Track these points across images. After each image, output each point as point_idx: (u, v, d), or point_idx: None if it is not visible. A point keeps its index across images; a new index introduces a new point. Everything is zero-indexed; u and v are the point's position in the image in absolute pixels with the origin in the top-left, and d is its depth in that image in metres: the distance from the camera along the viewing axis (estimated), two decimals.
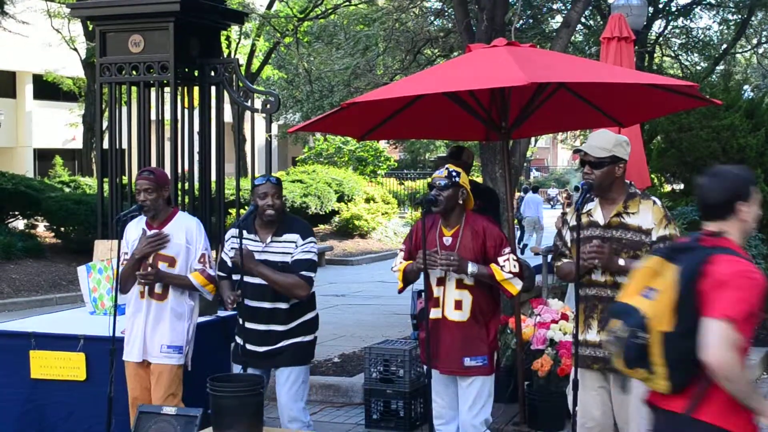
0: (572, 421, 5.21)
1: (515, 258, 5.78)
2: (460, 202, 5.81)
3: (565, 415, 6.64)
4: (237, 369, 6.11)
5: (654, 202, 5.14)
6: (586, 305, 5.23)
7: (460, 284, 5.76)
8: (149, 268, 6.02)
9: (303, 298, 5.94)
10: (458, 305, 5.77)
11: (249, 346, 6.03)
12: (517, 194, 33.06)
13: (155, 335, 6.11)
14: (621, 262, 5.00)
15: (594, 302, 5.19)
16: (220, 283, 6.19)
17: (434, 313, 5.84)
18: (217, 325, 7.12)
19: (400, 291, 6.25)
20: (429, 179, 6.01)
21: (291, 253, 5.93)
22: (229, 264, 6.11)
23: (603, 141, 5.16)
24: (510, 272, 5.67)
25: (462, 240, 5.76)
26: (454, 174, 5.78)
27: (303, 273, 5.87)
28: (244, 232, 6.00)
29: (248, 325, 6.03)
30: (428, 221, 5.91)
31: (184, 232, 6.14)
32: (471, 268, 5.63)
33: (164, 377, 6.10)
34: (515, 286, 5.72)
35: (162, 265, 6.07)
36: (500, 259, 5.68)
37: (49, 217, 19.13)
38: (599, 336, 5.15)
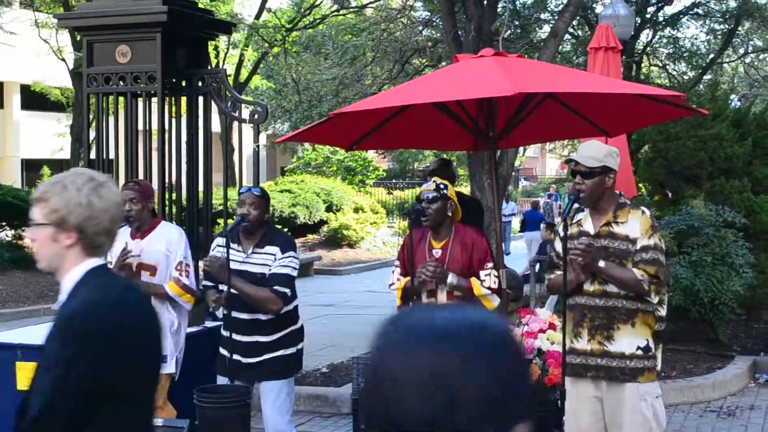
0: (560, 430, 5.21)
1: (496, 274, 5.78)
2: (449, 214, 5.81)
3: (554, 424, 6.63)
4: (221, 380, 6.09)
5: (643, 212, 5.16)
6: (574, 314, 5.23)
7: (451, 295, 5.76)
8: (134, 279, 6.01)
9: (274, 312, 5.91)
10: None
11: (234, 357, 6.01)
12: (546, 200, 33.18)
13: None
14: (600, 263, 5.02)
15: (583, 311, 5.19)
16: (206, 291, 6.19)
17: None
18: (204, 336, 7.11)
19: (400, 308, 6.27)
20: (418, 190, 6.02)
21: (270, 266, 5.93)
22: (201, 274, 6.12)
23: (594, 151, 5.17)
24: (489, 288, 5.66)
25: (452, 252, 5.76)
26: (441, 186, 5.79)
27: (277, 288, 5.84)
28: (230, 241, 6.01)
29: (233, 336, 6.01)
30: (418, 234, 5.92)
31: (165, 241, 6.15)
32: (450, 278, 5.63)
33: None
34: (492, 303, 5.72)
35: (144, 275, 6.07)
36: (482, 274, 5.68)
37: None
38: (590, 344, 5.16)
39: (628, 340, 5.10)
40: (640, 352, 5.10)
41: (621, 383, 5.12)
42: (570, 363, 5.23)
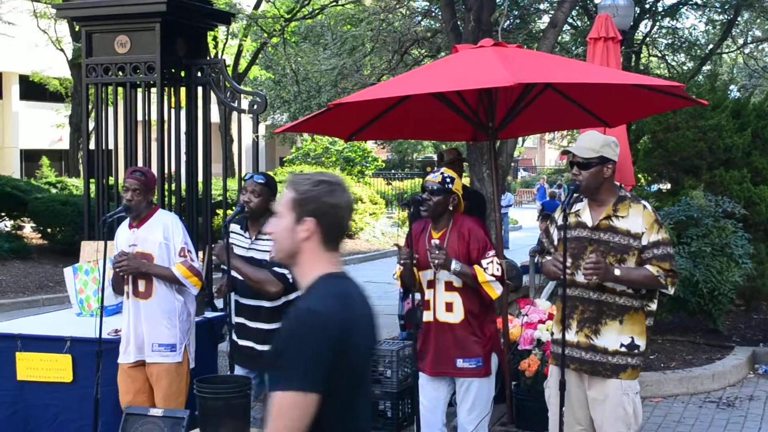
0: (559, 421, 5.21)
1: (498, 262, 5.77)
2: (450, 208, 5.80)
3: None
4: (237, 369, 6.07)
5: (644, 206, 5.13)
6: (567, 305, 5.22)
7: (449, 287, 5.76)
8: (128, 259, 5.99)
9: (273, 294, 5.86)
10: (449, 307, 5.76)
11: (246, 343, 6.03)
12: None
13: (146, 334, 6.08)
14: (617, 272, 4.97)
15: (575, 303, 5.18)
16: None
17: (426, 316, 5.84)
18: (204, 326, 7.11)
19: (403, 298, 6.26)
20: (416, 181, 6.02)
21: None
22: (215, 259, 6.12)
23: (591, 142, 5.15)
24: (492, 275, 5.66)
25: (449, 242, 5.76)
26: (448, 180, 5.76)
27: (275, 269, 5.81)
28: (238, 227, 6.05)
29: (238, 319, 6.06)
30: (420, 224, 5.92)
31: (161, 228, 6.11)
32: (454, 265, 5.62)
33: (162, 377, 6.07)
34: (495, 290, 5.70)
35: None
36: (484, 262, 5.67)
37: (36, 218, 19.08)
38: (577, 336, 5.15)
39: (614, 337, 5.09)
40: (624, 349, 5.08)
41: (603, 378, 5.12)
42: (557, 353, 5.23)
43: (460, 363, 5.77)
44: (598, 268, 4.92)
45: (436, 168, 6.61)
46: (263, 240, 5.96)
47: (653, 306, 5.19)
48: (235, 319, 6.08)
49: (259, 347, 6.02)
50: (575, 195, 5.22)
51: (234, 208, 6.05)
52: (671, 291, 5.10)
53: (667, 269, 5.01)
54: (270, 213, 6.04)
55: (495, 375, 5.96)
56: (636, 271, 5.01)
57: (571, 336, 5.17)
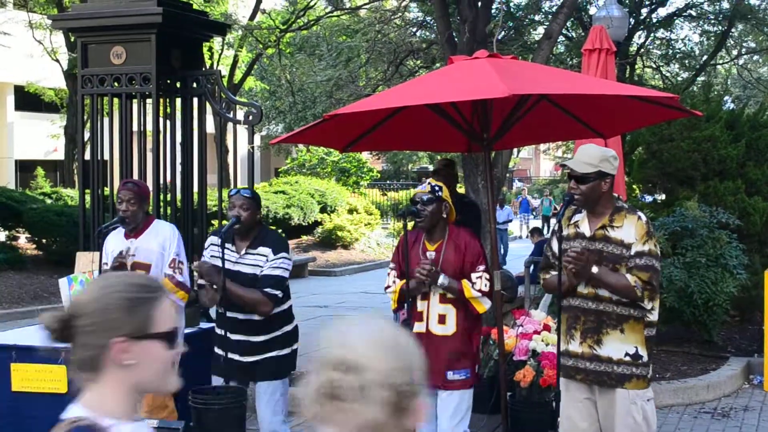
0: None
1: (488, 277, 5.78)
2: (444, 216, 5.83)
3: (548, 425, 6.65)
4: (216, 381, 6.09)
5: (639, 218, 5.14)
6: (568, 316, 5.23)
7: (443, 298, 5.77)
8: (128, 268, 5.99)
9: (265, 314, 5.89)
10: (442, 319, 5.78)
11: (230, 355, 6.02)
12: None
13: None
14: (594, 269, 5.01)
15: (576, 313, 5.19)
16: (200, 290, 6.19)
17: (417, 327, 5.85)
18: (199, 337, 7.10)
19: (396, 311, 6.26)
20: (412, 191, 6.04)
21: (261, 266, 5.93)
22: (194, 274, 6.12)
23: (588, 156, 5.16)
24: (479, 290, 5.68)
25: (445, 254, 5.77)
26: (437, 189, 5.80)
27: (267, 290, 5.84)
28: (218, 240, 6.02)
29: (228, 334, 6.04)
30: (412, 236, 5.93)
31: (160, 238, 6.14)
32: (442, 279, 5.65)
33: None
34: (483, 305, 5.74)
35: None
36: (473, 276, 5.70)
37: (31, 229, 19.05)
38: (581, 347, 5.16)
39: (617, 346, 5.10)
40: (628, 358, 5.09)
41: (610, 388, 5.13)
42: (563, 365, 5.24)
43: (450, 375, 5.78)
44: (578, 259, 4.97)
45: (423, 179, 6.65)
46: (252, 254, 5.98)
47: (652, 317, 5.19)
48: (217, 330, 6.12)
49: (240, 359, 6.03)
50: (569, 206, 5.25)
51: (229, 218, 6.05)
52: (648, 305, 5.08)
53: (645, 281, 5.01)
54: (258, 226, 6.07)
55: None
56: (615, 276, 5.04)
57: (575, 347, 5.19)
